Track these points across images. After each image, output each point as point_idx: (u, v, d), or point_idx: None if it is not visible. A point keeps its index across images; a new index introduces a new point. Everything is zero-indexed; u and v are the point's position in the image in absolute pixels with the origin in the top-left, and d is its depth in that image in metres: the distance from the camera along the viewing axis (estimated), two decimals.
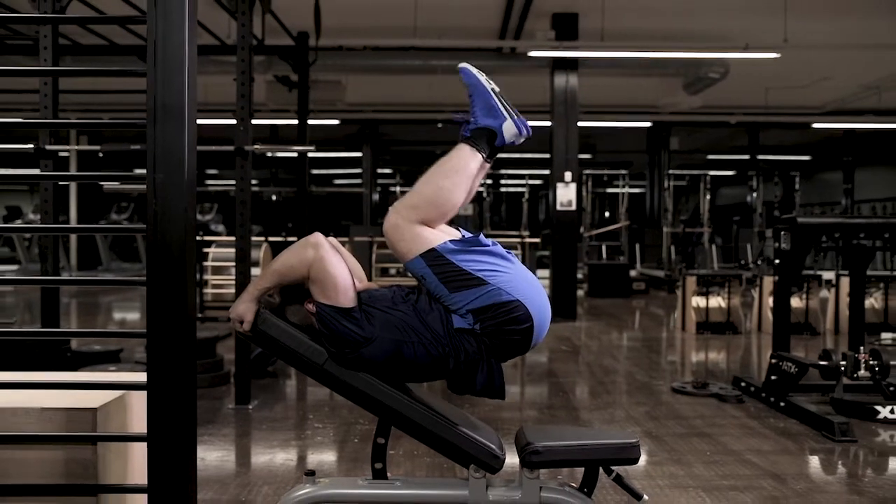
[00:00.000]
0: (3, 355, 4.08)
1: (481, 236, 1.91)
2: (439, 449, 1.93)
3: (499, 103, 1.96)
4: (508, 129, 1.96)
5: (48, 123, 2.79)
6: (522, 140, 2.00)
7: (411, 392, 1.97)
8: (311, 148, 4.81)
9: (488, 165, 1.99)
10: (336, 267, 1.86)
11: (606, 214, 16.08)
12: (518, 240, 10.27)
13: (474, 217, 15.84)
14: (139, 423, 2.14)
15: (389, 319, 1.89)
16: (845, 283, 6.71)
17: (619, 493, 2.78)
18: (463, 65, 2.00)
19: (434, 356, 1.87)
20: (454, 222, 2.01)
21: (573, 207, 8.47)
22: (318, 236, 1.90)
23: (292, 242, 2.00)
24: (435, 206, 1.88)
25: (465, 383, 1.89)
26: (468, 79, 1.97)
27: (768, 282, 7.03)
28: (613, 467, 1.93)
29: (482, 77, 1.98)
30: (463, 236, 1.91)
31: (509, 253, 1.92)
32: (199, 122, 1.83)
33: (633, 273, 12.06)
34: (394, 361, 1.88)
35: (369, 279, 2.17)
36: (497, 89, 1.98)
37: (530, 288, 1.87)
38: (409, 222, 1.87)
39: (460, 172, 1.90)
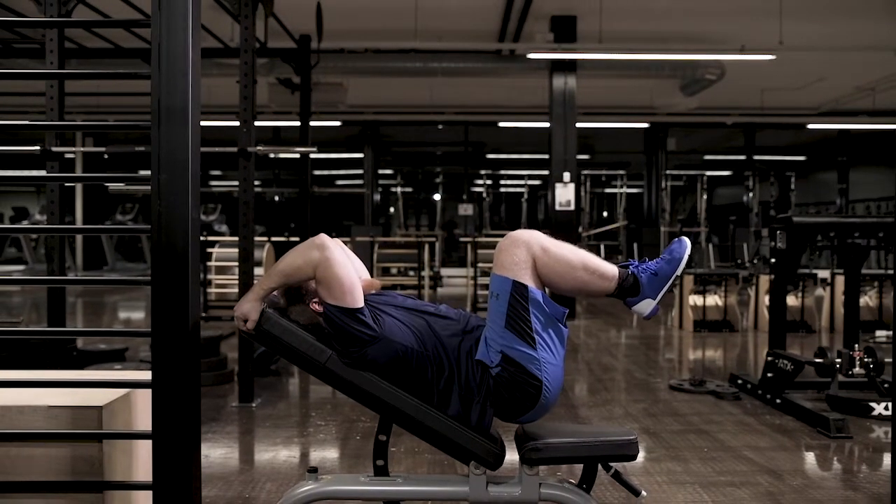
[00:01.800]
0: (10, 354, 4.11)
1: (565, 315, 1.93)
2: (440, 446, 1.96)
3: (667, 286, 1.97)
4: (646, 304, 1.97)
5: (54, 125, 2.81)
6: (641, 317, 2.02)
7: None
8: (314, 149, 4.84)
9: (602, 296, 2.01)
10: (342, 268, 1.87)
11: (605, 214, 16.12)
12: None
13: (474, 217, 15.86)
14: (144, 421, 2.17)
15: (398, 324, 1.92)
16: (840, 281, 6.75)
17: (618, 489, 2.82)
18: (686, 240, 2.01)
19: (434, 372, 1.91)
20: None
21: (572, 207, 8.50)
22: (323, 237, 1.91)
23: (295, 243, 2.02)
24: (554, 266, 1.89)
25: (458, 411, 1.92)
26: (679, 251, 1.98)
27: (764, 280, 7.07)
28: (612, 464, 1.95)
29: (685, 261, 1.98)
30: (551, 299, 1.93)
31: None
32: (202, 123, 1.85)
33: None
34: (396, 365, 1.90)
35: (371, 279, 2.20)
36: (679, 275, 2.00)
37: (558, 381, 1.92)
38: (529, 251, 1.89)
39: (590, 277, 1.93)
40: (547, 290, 1.95)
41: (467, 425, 1.92)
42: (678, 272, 1.97)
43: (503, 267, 1.89)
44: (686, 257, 1.98)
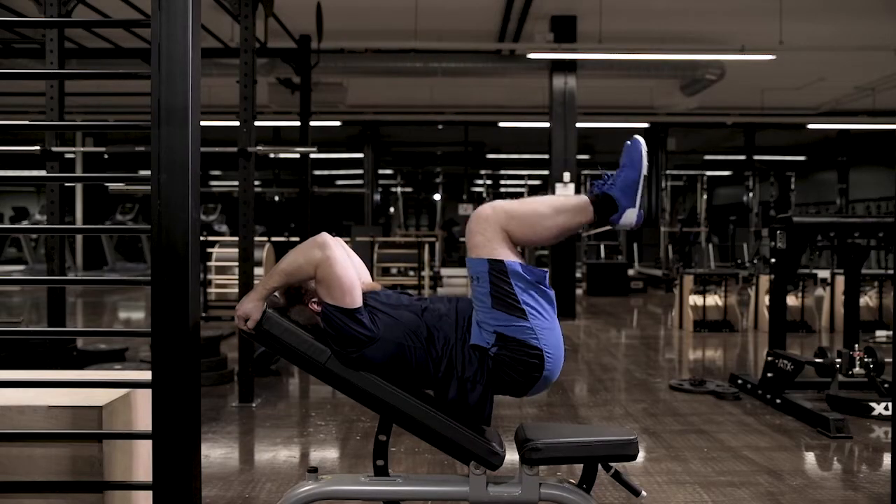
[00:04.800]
0: (11, 354, 4.11)
1: (546, 277, 1.91)
2: (440, 446, 1.96)
3: (640, 189, 1.93)
4: (629, 215, 1.93)
5: (54, 126, 2.81)
6: (631, 228, 1.97)
7: (412, 390, 1.99)
8: (314, 149, 4.84)
9: (587, 226, 1.98)
10: (342, 268, 1.87)
11: None
12: None
13: None
14: (144, 421, 2.17)
15: (395, 322, 1.91)
16: (840, 281, 6.74)
17: (618, 489, 2.82)
18: (639, 137, 1.97)
19: (433, 364, 1.90)
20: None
21: None
22: (325, 237, 1.91)
23: (295, 243, 2.02)
24: (526, 226, 1.88)
25: (456, 400, 1.91)
26: (635, 150, 1.94)
27: (764, 280, 7.06)
28: (612, 464, 1.95)
29: (645, 157, 1.95)
30: (529, 265, 1.91)
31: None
32: (202, 123, 1.86)
33: (631, 272, 12.10)
34: (394, 363, 1.91)
35: (371, 279, 2.20)
36: (646, 174, 1.96)
37: (558, 346, 1.90)
38: (496, 223, 1.87)
39: (565, 217, 1.90)
40: (525, 249, 1.94)
41: (465, 409, 1.91)
42: (643, 171, 1.93)
43: (476, 248, 1.87)
44: (644, 153, 1.94)
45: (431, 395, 2.03)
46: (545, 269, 1.93)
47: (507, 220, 1.87)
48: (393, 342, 1.89)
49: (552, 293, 1.92)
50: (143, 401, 2.16)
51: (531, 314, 1.85)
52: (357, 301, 1.89)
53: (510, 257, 1.86)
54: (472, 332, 1.90)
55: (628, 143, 1.97)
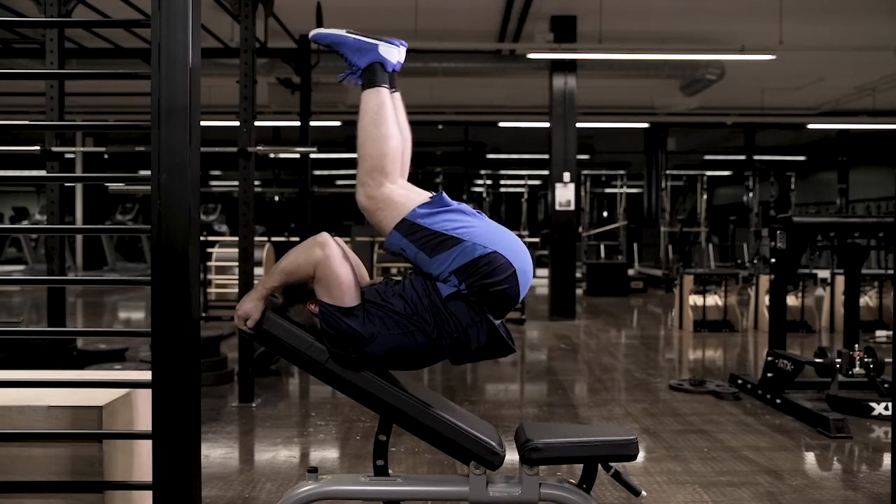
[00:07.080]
0: (11, 354, 4.11)
1: (444, 195, 1.93)
2: (440, 446, 1.95)
3: (363, 39, 1.98)
4: (386, 51, 1.98)
5: (54, 126, 2.81)
6: (404, 50, 2.00)
7: (412, 389, 1.99)
8: (314, 149, 4.84)
9: (398, 93, 2.01)
10: (341, 267, 1.87)
11: (605, 214, 16.10)
12: None
13: None
14: (144, 421, 2.17)
15: (387, 314, 1.90)
16: (840, 281, 6.74)
17: (618, 489, 2.82)
18: (313, 33, 2.01)
19: (432, 338, 1.89)
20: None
21: (572, 207, 8.50)
22: (325, 236, 1.91)
23: (295, 243, 2.02)
24: (382, 156, 1.90)
25: (468, 352, 1.90)
26: (326, 39, 2.00)
27: (764, 280, 7.06)
28: (612, 464, 1.95)
29: (334, 30, 2.00)
30: (431, 197, 1.94)
31: (478, 211, 1.97)
32: (202, 123, 1.85)
33: (631, 272, 12.09)
34: (398, 354, 1.90)
35: (369, 278, 2.19)
36: (352, 30, 2.00)
37: (503, 237, 1.90)
38: (376, 188, 1.90)
39: (379, 114, 1.93)
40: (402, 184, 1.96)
41: (468, 351, 1.89)
42: (343, 33, 1.97)
43: (383, 222, 1.90)
44: (323, 29, 1.99)
45: (432, 395, 2.02)
46: (439, 192, 1.94)
47: (375, 175, 1.89)
48: (391, 335, 1.88)
49: (462, 205, 1.94)
50: (143, 401, 2.16)
51: (461, 233, 1.86)
52: (355, 300, 1.89)
53: (408, 207, 1.89)
54: (440, 289, 1.89)
55: (317, 42, 2.02)
